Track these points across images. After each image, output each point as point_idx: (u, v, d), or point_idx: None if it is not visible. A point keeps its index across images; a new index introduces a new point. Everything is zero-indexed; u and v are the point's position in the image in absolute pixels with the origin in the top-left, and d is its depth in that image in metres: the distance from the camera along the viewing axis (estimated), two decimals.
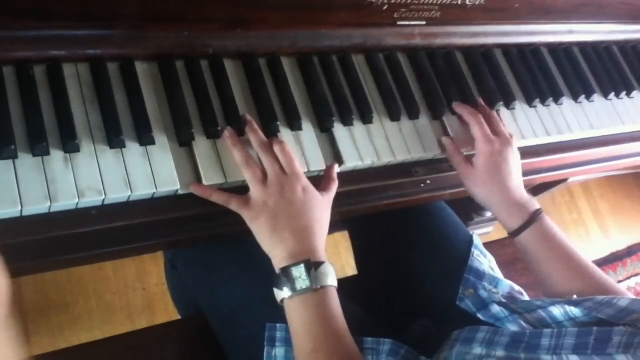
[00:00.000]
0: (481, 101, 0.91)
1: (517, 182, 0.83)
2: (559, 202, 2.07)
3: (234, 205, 0.69)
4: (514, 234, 0.81)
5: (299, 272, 0.64)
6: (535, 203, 0.81)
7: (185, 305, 1.05)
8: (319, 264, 0.65)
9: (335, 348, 0.63)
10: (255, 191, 0.68)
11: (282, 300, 0.66)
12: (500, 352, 0.63)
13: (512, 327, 0.74)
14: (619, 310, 0.63)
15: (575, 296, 0.70)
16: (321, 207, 0.70)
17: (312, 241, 0.67)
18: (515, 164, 0.83)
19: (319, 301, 0.64)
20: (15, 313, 0.43)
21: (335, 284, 0.66)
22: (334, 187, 0.74)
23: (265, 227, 0.67)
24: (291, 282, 0.64)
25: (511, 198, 0.81)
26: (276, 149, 0.71)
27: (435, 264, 0.90)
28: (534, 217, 0.79)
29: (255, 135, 0.72)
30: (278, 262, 0.67)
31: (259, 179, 0.69)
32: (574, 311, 0.65)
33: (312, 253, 0.66)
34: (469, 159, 0.84)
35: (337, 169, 0.76)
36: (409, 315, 0.84)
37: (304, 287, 0.64)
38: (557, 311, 0.67)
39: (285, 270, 0.65)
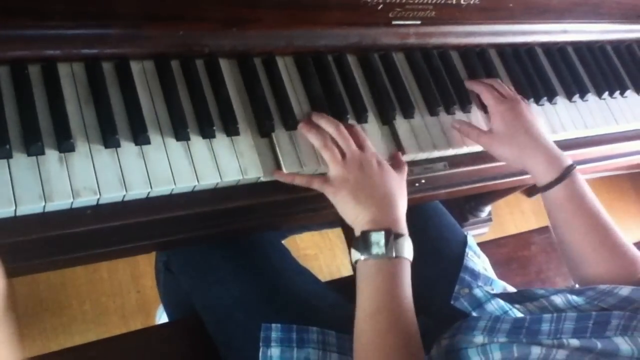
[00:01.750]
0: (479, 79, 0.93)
1: (541, 131, 0.82)
2: None
3: (317, 184, 0.72)
4: (545, 187, 0.79)
5: (378, 238, 0.66)
6: (567, 158, 0.80)
7: (177, 309, 1.04)
8: (398, 235, 0.67)
9: (396, 318, 0.63)
10: (334, 169, 0.72)
11: (357, 262, 0.67)
12: (502, 339, 0.63)
13: None
14: (620, 299, 0.63)
15: (577, 285, 0.70)
16: (397, 182, 0.73)
17: (393, 211, 0.70)
18: (532, 116, 0.84)
19: (391, 270, 0.66)
20: (10, 314, 0.43)
21: (411, 257, 0.68)
22: (405, 167, 0.78)
23: (348, 199, 0.70)
24: (369, 246, 0.66)
25: (541, 147, 0.80)
26: (350, 130, 0.75)
27: (430, 264, 0.90)
28: (566, 173, 0.78)
29: (329, 122, 0.76)
30: (360, 225, 0.69)
31: (338, 158, 0.72)
32: (576, 299, 0.66)
33: (394, 223, 0.69)
34: (487, 131, 0.85)
35: (401, 155, 0.81)
36: None
37: (380, 253, 0.65)
38: (558, 300, 0.67)
39: (365, 234, 0.67)
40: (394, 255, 0.66)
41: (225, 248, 0.84)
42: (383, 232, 0.66)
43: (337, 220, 0.74)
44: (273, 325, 0.74)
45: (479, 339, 0.65)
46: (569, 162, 0.79)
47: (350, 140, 0.74)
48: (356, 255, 0.67)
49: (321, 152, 0.74)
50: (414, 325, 0.64)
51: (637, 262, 0.75)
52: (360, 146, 0.74)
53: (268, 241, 0.87)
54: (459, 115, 0.90)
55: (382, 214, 0.69)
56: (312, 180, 0.73)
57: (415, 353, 0.63)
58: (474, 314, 0.80)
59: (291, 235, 1.39)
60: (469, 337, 0.66)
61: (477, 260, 0.92)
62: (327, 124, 0.76)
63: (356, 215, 0.70)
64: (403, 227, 0.70)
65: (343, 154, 0.73)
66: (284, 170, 0.74)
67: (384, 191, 0.71)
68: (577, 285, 0.71)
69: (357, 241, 0.68)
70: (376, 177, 0.71)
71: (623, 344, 0.54)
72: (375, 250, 0.66)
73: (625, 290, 0.63)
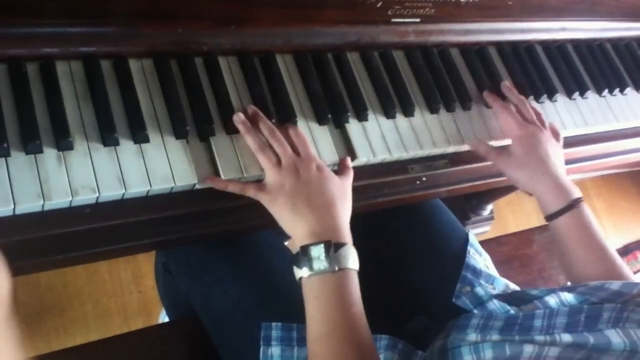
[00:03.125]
0: (510, 88, 0.92)
1: (557, 164, 0.83)
2: None
3: (251, 191, 0.69)
4: (551, 216, 0.81)
5: (318, 252, 0.63)
6: (577, 190, 0.81)
7: (177, 310, 1.04)
8: (339, 245, 0.64)
9: (349, 334, 0.61)
10: (270, 175, 0.69)
11: (300, 279, 0.65)
12: (495, 336, 0.63)
13: None
14: (610, 293, 0.63)
15: (568, 282, 0.70)
16: (339, 187, 0.70)
17: (334, 219, 0.67)
18: (552, 148, 0.85)
19: (336, 283, 0.63)
20: (14, 314, 0.43)
21: (357, 267, 0.65)
22: (350, 173, 0.75)
23: (285, 207, 0.67)
24: (310, 261, 0.63)
25: (553, 179, 0.81)
26: (290, 132, 0.72)
27: (431, 262, 0.90)
28: (574, 204, 0.79)
29: (263, 122, 0.72)
30: (299, 240, 0.66)
31: (273, 163, 0.69)
32: (568, 298, 0.66)
33: (334, 232, 0.65)
34: (503, 149, 0.86)
35: (350, 160, 0.77)
36: (405, 313, 0.84)
37: (322, 267, 0.62)
38: (552, 300, 0.67)
39: (305, 249, 0.64)
40: (336, 268, 0.62)
41: (224, 249, 0.83)
42: (323, 245, 0.63)
43: None
44: (273, 324, 0.74)
45: (472, 337, 0.65)
46: (577, 194, 0.81)
47: (286, 145, 0.70)
48: (298, 272, 0.64)
49: (257, 156, 0.70)
50: (368, 338, 0.62)
51: (629, 277, 0.76)
52: (299, 150, 0.71)
53: (267, 242, 0.86)
54: (459, 112, 0.90)
55: (320, 223, 0.66)
56: (246, 187, 0.69)
57: None
58: (476, 312, 0.80)
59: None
60: (462, 335, 0.66)
61: (479, 258, 0.92)
62: (262, 126, 0.72)
63: (294, 226, 0.66)
64: (345, 235, 0.66)
65: (280, 159, 0.69)
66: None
67: (322, 198, 0.67)
68: (568, 283, 0.72)
69: (297, 257, 0.65)
70: (314, 183, 0.68)
71: (615, 337, 0.54)
72: (316, 265, 0.63)
73: (615, 285, 0.64)
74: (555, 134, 0.89)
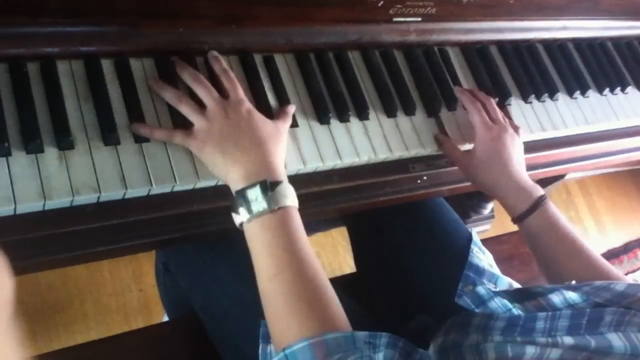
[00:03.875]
0: (477, 91, 0.91)
1: (519, 167, 0.83)
2: (555, 200, 2.08)
3: (178, 138, 0.66)
4: (519, 218, 0.81)
5: (255, 194, 0.61)
6: (539, 189, 0.81)
7: (177, 309, 1.04)
8: (275, 184, 0.62)
9: (300, 269, 0.59)
10: (196, 121, 0.66)
11: (241, 224, 0.63)
12: (497, 337, 0.63)
13: None
14: (616, 294, 0.63)
15: (574, 281, 0.70)
16: (271, 127, 0.68)
17: (266, 158, 0.64)
18: (515, 149, 0.84)
19: (278, 222, 0.61)
20: (17, 314, 0.43)
21: (296, 203, 0.63)
22: (287, 119, 0.73)
23: (215, 152, 0.64)
24: (247, 204, 0.61)
25: (515, 182, 0.81)
26: (221, 75, 0.70)
27: (434, 261, 0.90)
28: (539, 202, 0.79)
29: (185, 71, 0.70)
30: (234, 185, 0.64)
31: (197, 109, 0.66)
32: (573, 297, 0.65)
33: (269, 171, 0.63)
34: (467, 152, 0.85)
35: (293, 108, 0.75)
36: (407, 312, 0.84)
37: (261, 209, 0.60)
38: (556, 298, 0.67)
39: (241, 193, 0.62)
40: (276, 207, 0.61)
41: (224, 248, 0.83)
42: (258, 186, 0.61)
43: (340, 220, 0.73)
44: None
45: (474, 337, 0.64)
46: (540, 192, 0.81)
47: (210, 88, 0.68)
48: (237, 218, 0.62)
49: (178, 107, 0.67)
50: (321, 272, 0.61)
51: (603, 265, 0.77)
52: (228, 93, 0.68)
53: None
54: (461, 111, 0.90)
55: (253, 164, 0.63)
56: (173, 134, 0.66)
57: (329, 301, 0.59)
58: (477, 311, 0.80)
59: None
60: (463, 335, 0.65)
61: (482, 257, 0.92)
62: (185, 75, 0.70)
63: (227, 171, 0.64)
64: (280, 173, 0.64)
65: (204, 106, 0.67)
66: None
67: (253, 138, 0.65)
68: (573, 282, 0.71)
69: (234, 203, 0.63)
70: (243, 123, 0.65)
71: (616, 340, 0.54)
72: (255, 207, 0.61)
73: (621, 286, 0.63)
74: (516, 130, 0.87)
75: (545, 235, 0.79)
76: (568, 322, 0.59)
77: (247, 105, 0.68)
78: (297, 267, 0.59)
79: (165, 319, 1.37)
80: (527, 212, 0.80)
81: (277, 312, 0.59)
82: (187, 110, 0.67)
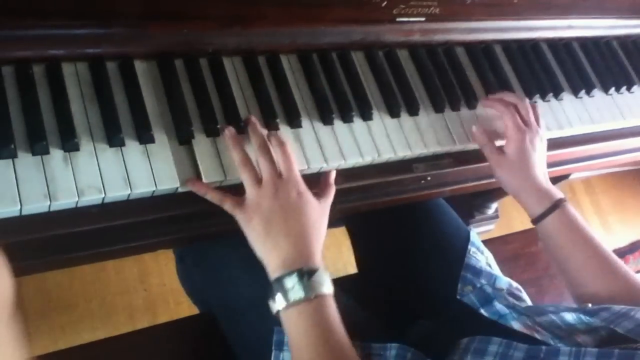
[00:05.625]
0: (507, 94, 0.91)
1: (543, 169, 0.85)
2: None
3: (228, 205, 0.67)
4: (537, 219, 0.82)
5: (292, 282, 0.62)
6: (559, 192, 0.82)
7: (195, 298, 1.03)
8: (312, 272, 0.63)
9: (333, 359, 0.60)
10: (249, 192, 0.67)
11: (278, 312, 0.64)
12: None
13: (516, 325, 0.73)
14: (637, 324, 0.61)
15: (589, 305, 0.69)
16: (317, 212, 0.68)
17: (307, 246, 0.65)
18: (542, 153, 0.85)
19: (314, 311, 0.62)
20: (18, 313, 0.43)
21: (331, 291, 0.64)
22: (331, 192, 0.72)
23: (259, 230, 0.66)
24: (284, 292, 0.62)
25: (538, 184, 0.83)
26: (276, 150, 0.69)
27: (434, 261, 0.89)
28: (558, 204, 0.80)
29: (256, 136, 0.70)
30: (272, 271, 0.65)
31: (254, 180, 0.67)
32: (589, 319, 0.65)
33: (307, 259, 0.64)
34: (499, 149, 0.85)
35: (334, 175, 0.75)
36: (409, 312, 0.84)
37: (297, 298, 0.62)
38: (569, 316, 0.66)
39: (279, 281, 0.63)
40: (312, 295, 0.62)
41: (239, 249, 0.83)
42: (295, 274, 0.62)
43: (341, 220, 0.73)
44: None
45: None
46: (560, 195, 0.82)
47: (273, 163, 0.68)
48: (274, 306, 0.63)
49: (239, 169, 0.68)
50: (353, 358, 0.62)
51: (626, 273, 0.76)
52: (283, 171, 0.68)
53: None
54: (465, 111, 0.90)
55: (293, 252, 0.64)
56: (224, 199, 0.67)
57: None
58: (482, 310, 0.80)
59: None
60: None
61: (481, 257, 0.91)
62: (254, 138, 0.70)
63: (267, 254, 0.65)
64: (317, 261, 0.65)
65: (262, 176, 0.68)
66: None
67: (298, 227, 0.66)
68: (589, 305, 0.70)
69: (271, 290, 0.64)
70: (291, 208, 0.66)
71: None
72: (293, 295, 0.62)
73: None
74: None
75: (563, 238, 0.80)
76: None
77: (299, 187, 0.68)
78: (332, 358, 0.60)
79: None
80: (546, 212, 0.80)
81: None
82: (246, 177, 0.67)
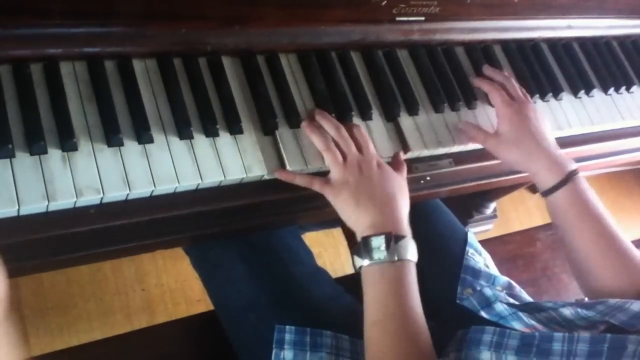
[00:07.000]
0: (490, 69, 0.92)
1: (547, 136, 0.82)
2: None
3: (317, 185, 0.72)
4: (548, 192, 0.79)
5: (379, 243, 0.65)
6: (572, 162, 0.80)
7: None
8: (399, 237, 0.66)
9: (403, 323, 0.62)
10: (335, 172, 0.72)
11: (360, 267, 0.67)
12: (511, 357, 0.61)
13: (517, 325, 0.73)
14: (631, 316, 0.61)
15: (586, 299, 0.69)
16: (398, 181, 0.73)
17: (394, 212, 0.69)
18: (539, 121, 0.84)
19: (394, 273, 0.65)
20: (14, 313, 0.43)
21: (415, 259, 0.67)
22: (404, 168, 0.78)
23: (348, 202, 0.70)
24: (370, 251, 0.65)
25: (548, 153, 0.80)
26: (354, 131, 0.75)
27: (432, 263, 0.89)
28: (570, 177, 0.77)
29: (329, 122, 0.75)
30: (361, 231, 0.68)
31: (339, 160, 0.72)
32: (586, 312, 0.64)
33: (395, 225, 0.68)
34: (493, 133, 0.84)
35: (403, 154, 0.81)
36: None
37: (381, 258, 0.65)
38: (567, 311, 0.66)
39: (366, 239, 0.66)
40: (396, 258, 0.65)
41: (239, 249, 0.83)
42: (384, 236, 0.66)
43: (337, 220, 0.73)
44: (287, 327, 0.73)
45: (486, 355, 0.63)
46: (573, 166, 0.79)
47: (351, 143, 0.74)
48: (359, 261, 0.67)
49: (323, 154, 0.73)
50: (424, 330, 0.63)
51: (637, 256, 0.74)
52: (361, 148, 0.74)
53: (282, 244, 0.86)
54: (464, 111, 0.90)
55: (382, 216, 0.68)
56: (312, 180, 0.73)
57: (427, 358, 0.61)
58: (482, 313, 0.79)
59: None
60: (476, 352, 0.64)
61: (479, 258, 0.91)
62: (328, 125, 0.75)
63: (356, 219, 0.69)
64: (405, 228, 0.69)
65: (344, 156, 0.73)
66: (288, 168, 0.73)
67: (384, 193, 0.70)
68: (586, 299, 0.70)
69: (358, 247, 0.67)
70: (376, 179, 0.71)
71: None
72: (377, 255, 0.65)
73: (636, 306, 0.62)
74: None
75: (573, 211, 0.77)
76: (587, 347, 0.57)
77: (379, 160, 0.74)
78: (401, 320, 0.63)
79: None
80: (557, 185, 0.78)
81: (377, 356, 0.62)
82: (330, 159, 0.73)
